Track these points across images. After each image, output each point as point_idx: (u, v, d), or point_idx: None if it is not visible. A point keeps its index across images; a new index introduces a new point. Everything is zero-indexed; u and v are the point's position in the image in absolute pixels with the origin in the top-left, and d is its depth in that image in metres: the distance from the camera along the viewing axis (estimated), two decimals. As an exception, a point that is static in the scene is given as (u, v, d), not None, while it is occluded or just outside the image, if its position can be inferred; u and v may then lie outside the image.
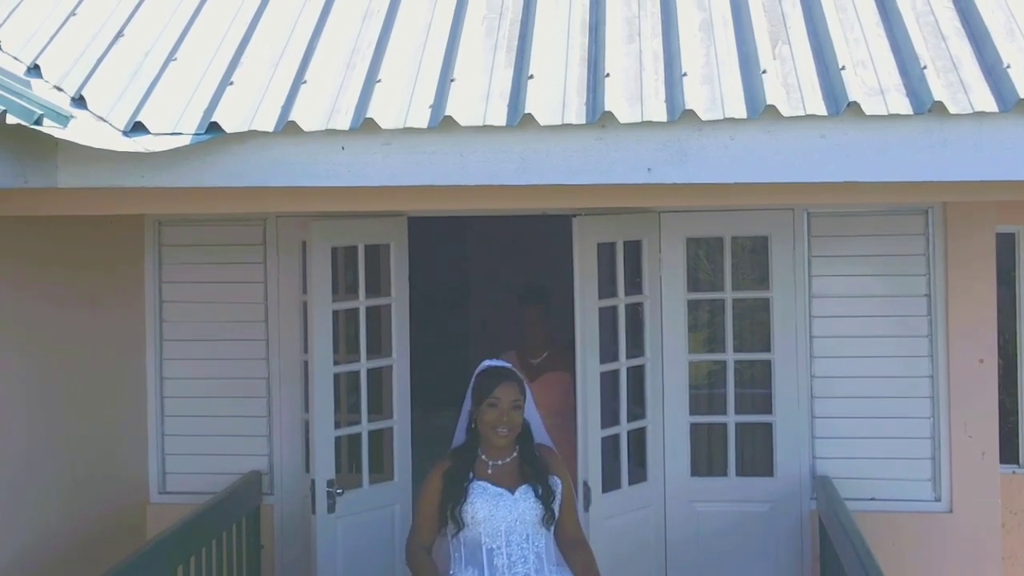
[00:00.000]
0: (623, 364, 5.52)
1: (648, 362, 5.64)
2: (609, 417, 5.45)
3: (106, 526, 5.43)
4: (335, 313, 5.52)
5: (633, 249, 5.61)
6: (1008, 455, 6.72)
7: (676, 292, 5.67)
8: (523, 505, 4.04)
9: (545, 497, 4.06)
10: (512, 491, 4.06)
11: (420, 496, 4.18)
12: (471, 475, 4.06)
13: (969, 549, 5.48)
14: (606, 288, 5.47)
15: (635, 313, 5.67)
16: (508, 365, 4.24)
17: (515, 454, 4.12)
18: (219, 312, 5.89)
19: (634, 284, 5.62)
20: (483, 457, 4.12)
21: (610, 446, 5.44)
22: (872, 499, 5.54)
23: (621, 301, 5.52)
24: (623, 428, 5.49)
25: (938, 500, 5.56)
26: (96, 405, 5.45)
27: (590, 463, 5.27)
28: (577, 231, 5.30)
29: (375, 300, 5.68)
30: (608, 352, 5.45)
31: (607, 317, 5.48)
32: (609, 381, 5.47)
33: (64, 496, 5.13)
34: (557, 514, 4.11)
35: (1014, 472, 6.72)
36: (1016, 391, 7.11)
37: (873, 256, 5.63)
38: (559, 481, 4.12)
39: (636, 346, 5.64)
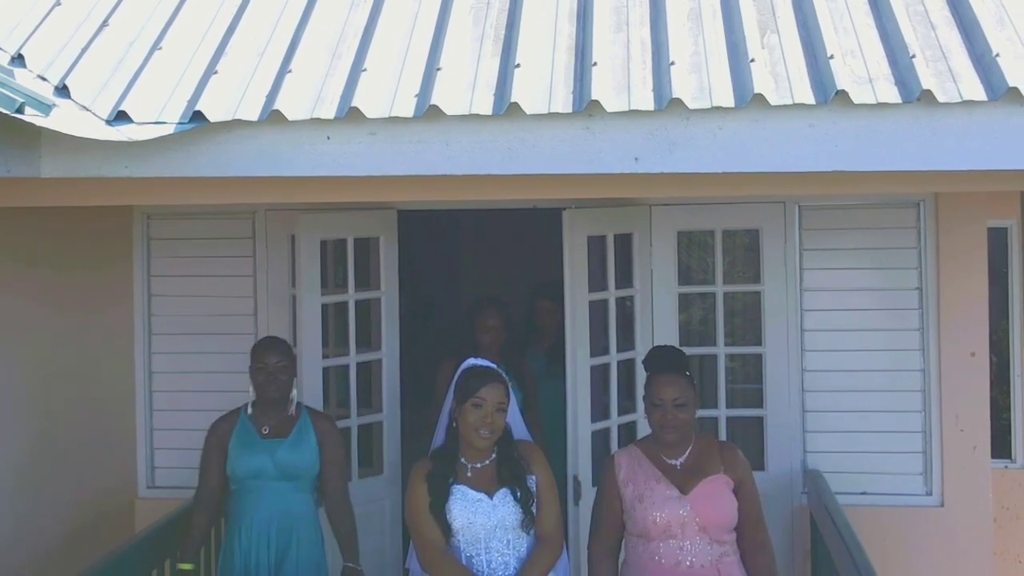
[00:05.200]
0: (613, 358, 5.50)
1: (639, 356, 5.60)
2: (599, 411, 5.43)
3: (94, 521, 5.41)
4: (324, 307, 5.51)
5: (624, 242, 5.59)
6: (1001, 450, 6.72)
7: (667, 285, 5.65)
8: (502, 510, 3.96)
9: (524, 501, 3.97)
10: (491, 495, 3.97)
11: (410, 509, 4.04)
12: (451, 479, 3.98)
13: (960, 543, 5.47)
14: (596, 281, 5.45)
15: (625, 307, 5.65)
16: (493, 365, 4.14)
17: (493, 456, 4.03)
18: (208, 306, 5.88)
19: (624, 277, 5.60)
20: (462, 460, 4.02)
21: (600, 440, 5.42)
22: (863, 493, 5.53)
23: (612, 294, 5.50)
24: (613, 422, 5.47)
25: (929, 494, 5.54)
26: (84, 399, 5.42)
27: (580, 457, 5.25)
28: (567, 224, 5.28)
29: (364, 294, 5.66)
30: (598, 346, 5.43)
31: (597, 310, 5.46)
32: (599, 375, 5.45)
33: (52, 491, 5.11)
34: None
35: (1006, 467, 6.72)
36: (1009, 387, 7.10)
37: (864, 249, 5.62)
38: (536, 479, 4.03)
39: (627, 340, 5.62)
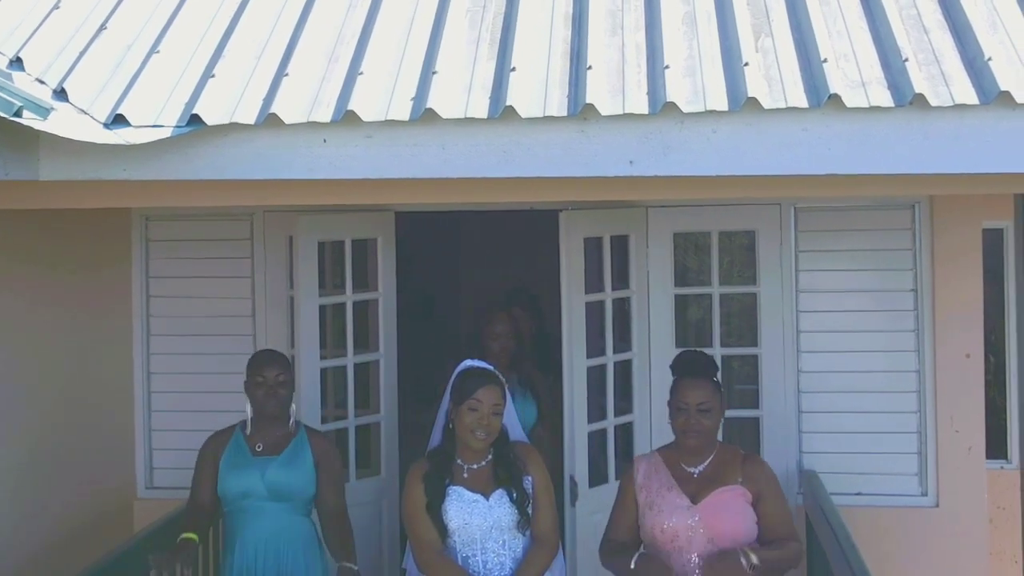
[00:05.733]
0: (610, 359, 5.52)
1: (635, 357, 5.63)
2: (596, 412, 5.45)
3: (93, 521, 5.43)
4: (322, 308, 5.53)
5: (620, 244, 5.62)
6: (997, 451, 6.73)
7: (663, 286, 5.67)
8: (498, 511, 3.98)
9: (520, 501, 4.00)
10: (487, 496, 3.99)
11: (407, 509, 4.06)
12: (447, 480, 4.01)
13: (955, 544, 5.49)
14: (593, 283, 5.47)
15: (622, 308, 5.68)
16: (490, 367, 4.16)
17: (490, 457, 4.05)
18: (206, 307, 5.90)
19: (621, 278, 5.62)
20: (459, 461, 4.04)
21: (597, 441, 5.44)
22: (858, 493, 5.54)
23: (608, 296, 5.52)
24: (610, 423, 5.49)
25: (924, 495, 5.56)
26: (83, 400, 5.44)
27: (577, 458, 5.27)
28: (564, 225, 5.30)
29: (362, 295, 5.68)
30: (595, 347, 5.45)
31: (594, 312, 5.48)
32: (596, 376, 5.47)
33: (51, 491, 5.13)
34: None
35: (1002, 467, 6.72)
36: (1006, 387, 7.11)
37: (860, 251, 5.64)
38: (532, 480, 4.05)
39: (623, 341, 5.64)
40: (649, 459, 4.11)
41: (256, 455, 4.49)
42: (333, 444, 4.79)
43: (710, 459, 4.01)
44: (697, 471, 3.99)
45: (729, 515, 3.92)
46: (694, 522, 3.88)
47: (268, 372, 4.54)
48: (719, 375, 4.07)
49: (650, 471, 4.04)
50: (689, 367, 4.08)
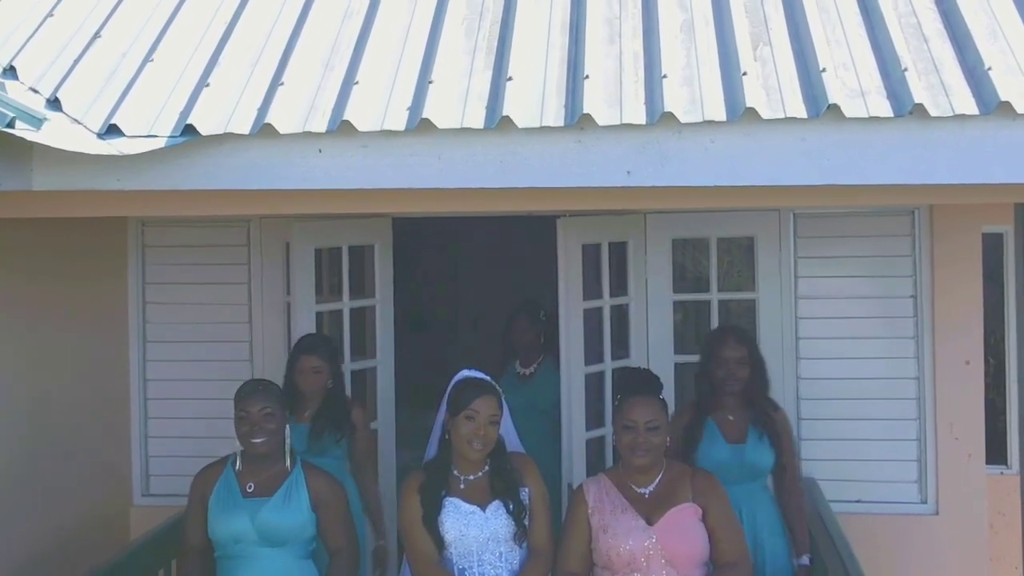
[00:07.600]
0: (608, 366, 5.49)
1: (633, 364, 5.60)
2: (594, 419, 5.43)
3: (89, 528, 5.42)
4: (319, 314, 5.51)
5: (619, 250, 5.59)
6: (997, 456, 6.71)
7: (662, 293, 5.65)
8: (495, 523, 3.94)
9: (517, 513, 3.95)
10: (483, 508, 3.95)
11: (403, 521, 4.00)
12: (443, 491, 3.97)
13: (955, 551, 5.48)
14: (591, 289, 5.45)
15: (620, 314, 5.65)
16: (487, 377, 4.11)
17: (486, 467, 4.01)
18: (203, 313, 5.89)
19: (619, 285, 5.60)
20: (455, 472, 4.00)
21: (595, 448, 5.42)
22: (858, 501, 5.54)
23: (606, 302, 5.50)
24: (608, 430, 5.46)
25: (924, 502, 5.55)
26: (79, 407, 5.42)
27: (574, 465, 5.25)
28: (562, 232, 5.28)
29: (359, 301, 5.66)
30: (593, 353, 5.43)
31: (592, 318, 5.46)
32: (594, 383, 5.45)
33: (47, 498, 5.11)
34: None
35: (1002, 473, 6.70)
36: (1005, 390, 7.09)
37: (859, 257, 5.64)
38: (529, 491, 4.02)
39: (621, 348, 5.62)
40: (597, 481, 4.00)
41: (247, 496, 4.05)
42: (334, 480, 4.28)
43: (659, 478, 3.94)
44: (648, 491, 3.92)
45: (687, 535, 3.85)
46: (651, 544, 3.80)
47: (252, 406, 4.07)
48: (663, 392, 4.03)
49: (600, 493, 3.94)
50: (636, 386, 4.02)
